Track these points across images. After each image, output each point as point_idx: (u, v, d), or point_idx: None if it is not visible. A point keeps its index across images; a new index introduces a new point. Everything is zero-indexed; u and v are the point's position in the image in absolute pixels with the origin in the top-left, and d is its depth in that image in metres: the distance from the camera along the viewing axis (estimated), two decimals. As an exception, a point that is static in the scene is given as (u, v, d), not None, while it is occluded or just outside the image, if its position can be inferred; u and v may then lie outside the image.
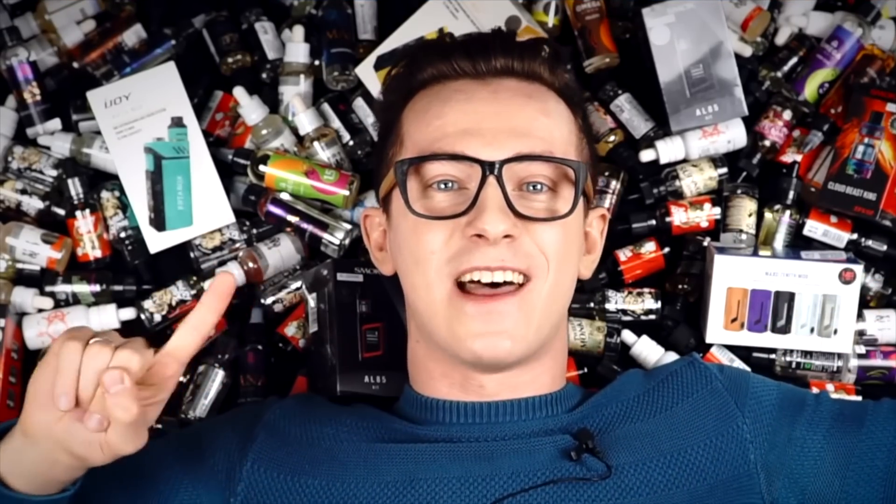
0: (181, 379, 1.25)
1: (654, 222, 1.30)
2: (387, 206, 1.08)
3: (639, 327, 1.28)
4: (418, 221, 1.00)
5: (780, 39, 1.33)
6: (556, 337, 1.07)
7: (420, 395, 1.07)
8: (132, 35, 1.34)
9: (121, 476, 0.96)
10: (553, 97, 1.07)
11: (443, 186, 1.01)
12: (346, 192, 1.28)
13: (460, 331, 0.98)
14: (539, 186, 1.01)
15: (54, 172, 1.31)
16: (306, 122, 1.30)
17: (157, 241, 1.27)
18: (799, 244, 1.30)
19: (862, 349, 1.26)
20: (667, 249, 1.30)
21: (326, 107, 1.33)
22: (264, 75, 1.35)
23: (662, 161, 1.30)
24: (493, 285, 0.98)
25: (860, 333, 1.27)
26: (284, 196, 1.29)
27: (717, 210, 1.29)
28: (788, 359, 1.27)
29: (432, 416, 1.05)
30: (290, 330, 1.28)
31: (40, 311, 1.28)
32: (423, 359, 1.08)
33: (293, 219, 1.28)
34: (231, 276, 0.87)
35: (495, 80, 1.05)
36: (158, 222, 1.27)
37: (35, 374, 0.85)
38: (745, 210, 1.29)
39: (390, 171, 1.04)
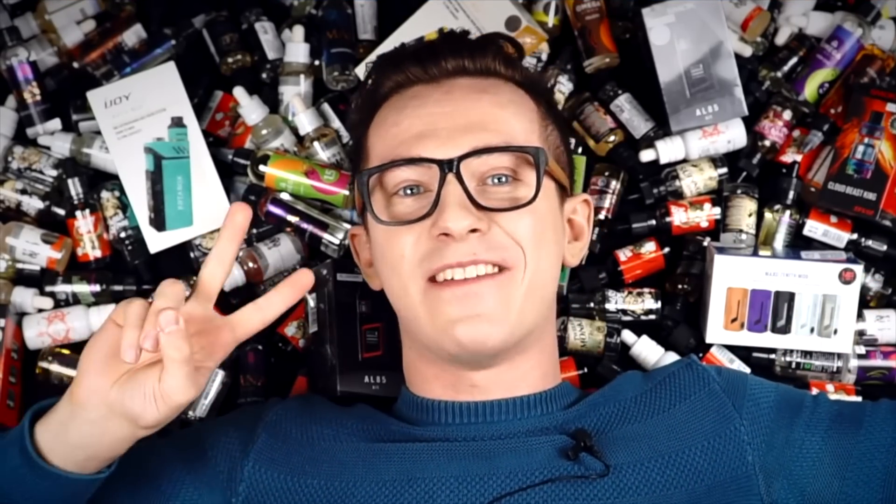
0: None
1: (654, 222, 1.30)
2: (365, 220, 1.09)
3: (639, 327, 1.28)
4: (388, 229, 1.01)
5: (780, 39, 1.33)
6: (543, 331, 1.07)
7: (416, 396, 1.07)
8: (132, 35, 1.34)
9: (123, 475, 0.96)
10: (510, 88, 1.07)
11: (408, 192, 1.02)
12: (346, 192, 1.28)
13: (440, 320, 0.99)
14: (503, 178, 1.02)
15: (54, 172, 1.31)
16: (306, 122, 1.30)
17: (157, 241, 1.28)
18: (799, 244, 1.30)
19: (862, 349, 1.26)
20: (667, 249, 1.30)
21: (326, 107, 1.33)
22: (264, 75, 1.35)
23: (662, 161, 1.30)
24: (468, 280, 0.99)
25: (860, 333, 1.27)
26: (284, 196, 1.29)
27: (717, 210, 1.29)
28: (788, 359, 1.27)
29: (428, 417, 1.05)
30: (290, 330, 1.29)
31: (40, 311, 1.28)
32: (415, 362, 1.08)
33: (293, 219, 1.28)
34: (311, 275, 0.91)
35: (448, 81, 1.06)
36: (158, 222, 1.27)
37: (90, 343, 0.88)
38: (745, 210, 1.29)
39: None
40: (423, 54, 1.08)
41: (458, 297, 0.98)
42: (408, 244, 1.00)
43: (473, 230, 0.97)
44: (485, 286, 0.98)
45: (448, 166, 0.98)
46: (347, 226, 1.28)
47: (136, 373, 0.86)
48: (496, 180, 1.01)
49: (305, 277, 0.90)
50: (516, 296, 0.99)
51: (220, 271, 0.90)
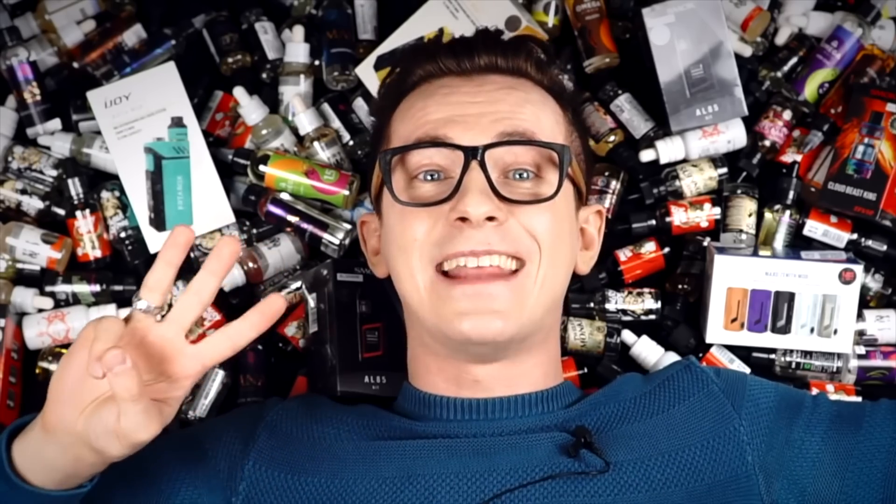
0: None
1: (654, 222, 1.30)
2: (378, 206, 1.08)
3: (639, 327, 1.28)
4: (404, 211, 1.01)
5: (780, 39, 1.33)
6: (549, 330, 1.07)
7: (418, 390, 1.07)
8: (132, 35, 1.34)
9: (122, 475, 0.97)
10: (539, 91, 1.08)
11: (429, 178, 1.02)
12: (346, 192, 1.28)
13: (447, 312, 0.98)
14: (524, 174, 1.02)
15: (54, 172, 1.31)
16: (306, 122, 1.30)
17: (157, 241, 1.28)
18: (799, 244, 1.30)
19: (862, 349, 1.26)
20: (667, 249, 1.30)
21: (326, 107, 1.33)
22: (264, 75, 1.35)
23: (662, 161, 1.30)
24: (481, 270, 0.98)
25: (860, 333, 1.27)
26: (284, 196, 1.29)
27: (717, 210, 1.29)
28: (788, 359, 1.27)
29: (430, 413, 1.05)
30: (290, 330, 1.29)
31: (40, 311, 1.28)
32: (419, 354, 1.08)
33: (293, 219, 1.28)
34: (282, 301, 0.87)
35: (479, 76, 1.06)
36: (158, 222, 1.27)
37: (58, 371, 0.86)
38: (745, 210, 1.29)
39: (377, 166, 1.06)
40: (458, 48, 1.08)
41: (469, 295, 0.98)
42: (423, 227, 0.99)
43: (491, 218, 0.97)
44: (497, 287, 0.98)
45: (472, 153, 0.98)
46: (347, 226, 1.28)
47: (101, 405, 0.83)
48: (518, 175, 1.02)
49: (276, 303, 0.87)
50: (530, 292, 0.99)
51: (196, 303, 0.87)
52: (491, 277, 0.98)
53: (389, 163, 1.02)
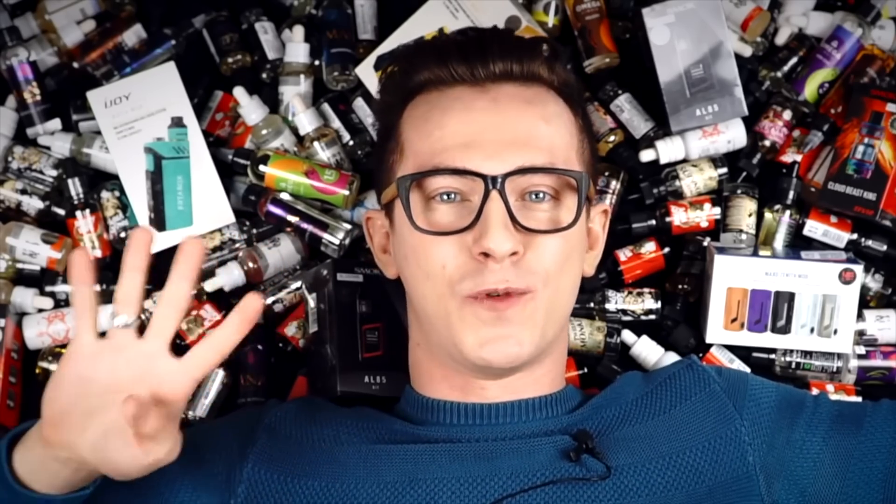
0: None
1: (654, 222, 1.30)
2: (389, 212, 1.07)
3: (639, 327, 1.28)
4: (424, 236, 1.00)
5: (780, 39, 1.33)
6: (558, 339, 1.07)
7: (421, 395, 1.07)
8: (132, 35, 1.34)
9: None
10: (552, 98, 1.06)
11: (445, 198, 1.01)
12: (346, 192, 1.28)
13: (471, 338, 0.98)
14: (541, 195, 1.01)
15: (54, 172, 1.31)
16: (306, 122, 1.30)
17: (157, 241, 1.27)
18: (799, 244, 1.30)
19: (862, 349, 1.26)
20: (667, 249, 1.30)
21: (326, 107, 1.33)
22: (264, 75, 1.35)
23: (662, 161, 1.30)
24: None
25: (860, 333, 1.27)
26: (284, 196, 1.29)
27: (717, 210, 1.29)
28: (788, 359, 1.27)
29: (433, 417, 1.05)
30: (290, 330, 1.29)
31: (40, 311, 1.28)
32: (424, 362, 1.08)
33: (293, 219, 1.28)
34: (260, 300, 0.87)
35: (494, 87, 1.04)
36: (158, 222, 1.27)
37: (48, 393, 0.86)
38: (745, 210, 1.29)
39: (392, 181, 1.04)
40: (471, 53, 1.04)
41: (495, 319, 0.98)
42: (447, 255, 0.98)
43: (513, 253, 0.97)
44: (515, 310, 0.98)
45: (493, 182, 0.97)
46: (347, 226, 1.28)
47: (108, 437, 0.83)
48: (535, 196, 1.01)
49: (254, 303, 0.86)
50: (539, 314, 0.99)
51: (172, 313, 0.86)
52: (508, 300, 0.98)
53: (409, 188, 1.01)
